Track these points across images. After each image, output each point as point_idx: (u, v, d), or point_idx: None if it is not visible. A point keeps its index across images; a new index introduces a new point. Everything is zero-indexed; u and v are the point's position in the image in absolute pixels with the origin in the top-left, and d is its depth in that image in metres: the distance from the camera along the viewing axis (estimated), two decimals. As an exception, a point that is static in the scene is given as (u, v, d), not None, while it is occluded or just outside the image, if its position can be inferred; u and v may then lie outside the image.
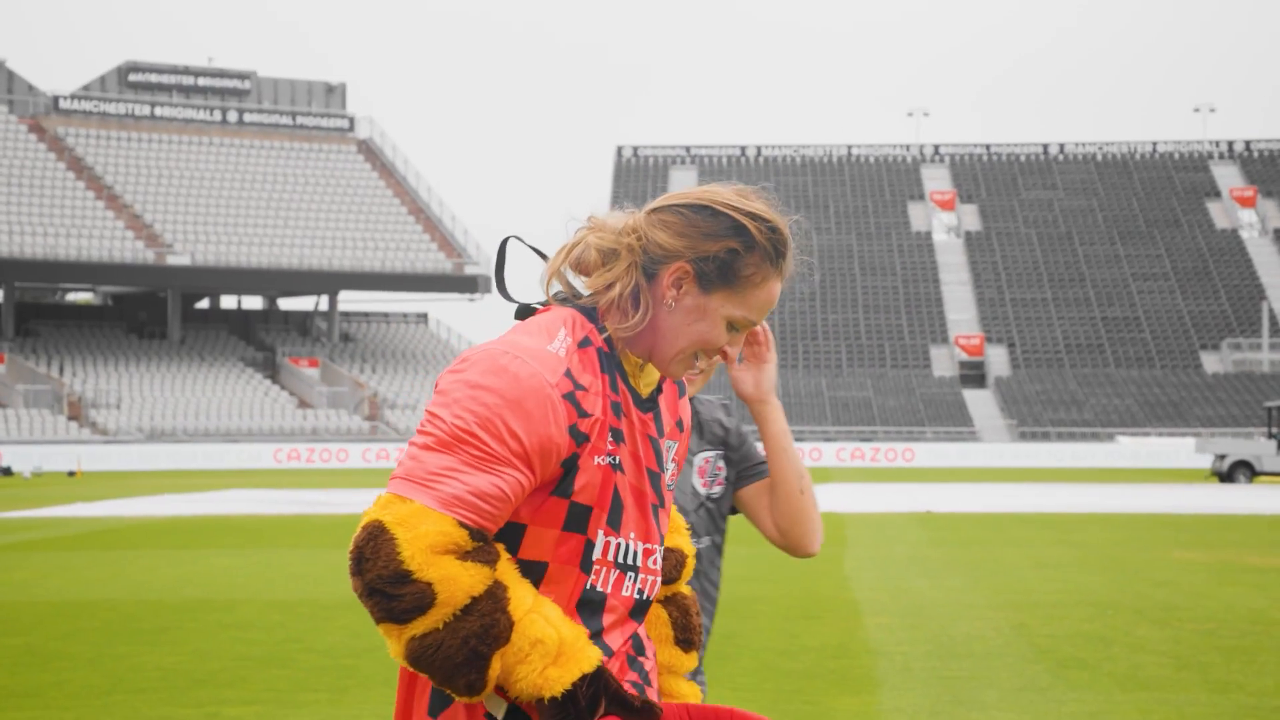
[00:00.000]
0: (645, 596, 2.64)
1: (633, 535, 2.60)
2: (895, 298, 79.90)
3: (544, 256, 2.66)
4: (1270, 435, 43.62)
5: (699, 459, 3.38)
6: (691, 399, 3.40)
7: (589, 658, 2.44)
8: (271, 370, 72.56)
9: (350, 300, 79.83)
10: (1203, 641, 11.39)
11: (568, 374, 2.48)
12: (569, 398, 2.47)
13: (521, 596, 2.43)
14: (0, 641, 11.26)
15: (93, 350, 70.79)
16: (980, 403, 70.72)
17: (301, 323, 78.94)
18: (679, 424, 2.76)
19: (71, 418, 64.27)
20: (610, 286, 2.56)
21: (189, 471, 55.05)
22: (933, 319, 78.52)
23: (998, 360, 75.17)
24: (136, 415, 64.86)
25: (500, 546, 2.48)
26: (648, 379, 2.64)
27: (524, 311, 2.61)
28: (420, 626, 2.37)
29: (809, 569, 16.35)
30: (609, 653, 2.58)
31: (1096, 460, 58.44)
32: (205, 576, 16.10)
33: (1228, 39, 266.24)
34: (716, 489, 3.37)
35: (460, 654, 2.37)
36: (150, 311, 75.84)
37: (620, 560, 2.58)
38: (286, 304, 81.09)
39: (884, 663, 10.14)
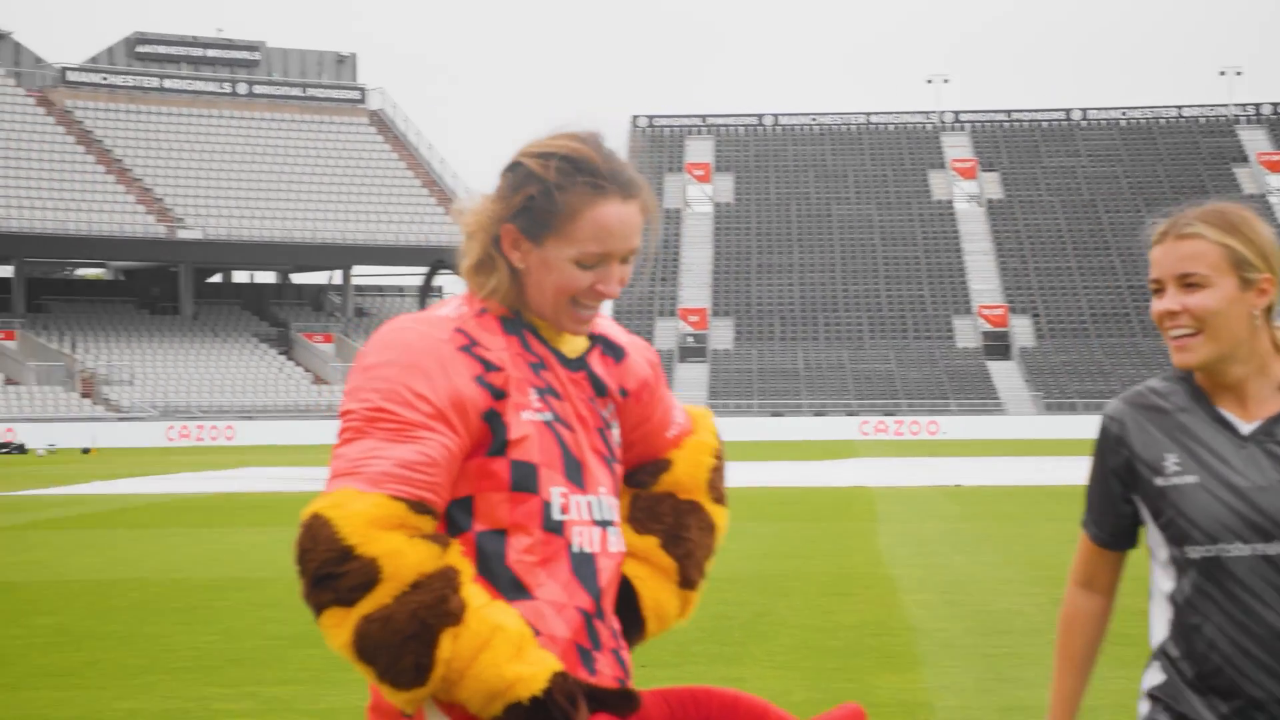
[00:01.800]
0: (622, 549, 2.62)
1: (603, 490, 2.56)
2: (917, 268, 78.92)
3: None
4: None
5: None
6: None
7: (551, 656, 2.32)
8: (285, 346, 72.02)
9: (364, 274, 79.18)
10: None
11: (460, 330, 2.47)
12: (466, 350, 2.45)
13: (478, 590, 2.33)
14: (31, 621, 11.17)
15: (105, 326, 70.19)
16: (1005, 374, 69.88)
17: (315, 297, 78.38)
18: (621, 391, 2.68)
19: (84, 395, 63.77)
20: (463, 264, 2.57)
21: (204, 448, 54.57)
22: (955, 289, 77.51)
23: (1022, 331, 74.21)
24: (150, 392, 64.37)
25: (455, 543, 2.37)
26: (574, 341, 2.60)
27: None
28: (368, 605, 2.25)
29: (842, 545, 16.23)
30: (602, 615, 2.51)
31: (1124, 431, 57.57)
32: (229, 554, 15.99)
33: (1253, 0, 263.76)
34: None
35: (408, 626, 2.24)
36: (162, 287, 75.18)
37: (599, 517, 2.54)
38: (299, 278, 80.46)
39: (924, 640, 9.83)
